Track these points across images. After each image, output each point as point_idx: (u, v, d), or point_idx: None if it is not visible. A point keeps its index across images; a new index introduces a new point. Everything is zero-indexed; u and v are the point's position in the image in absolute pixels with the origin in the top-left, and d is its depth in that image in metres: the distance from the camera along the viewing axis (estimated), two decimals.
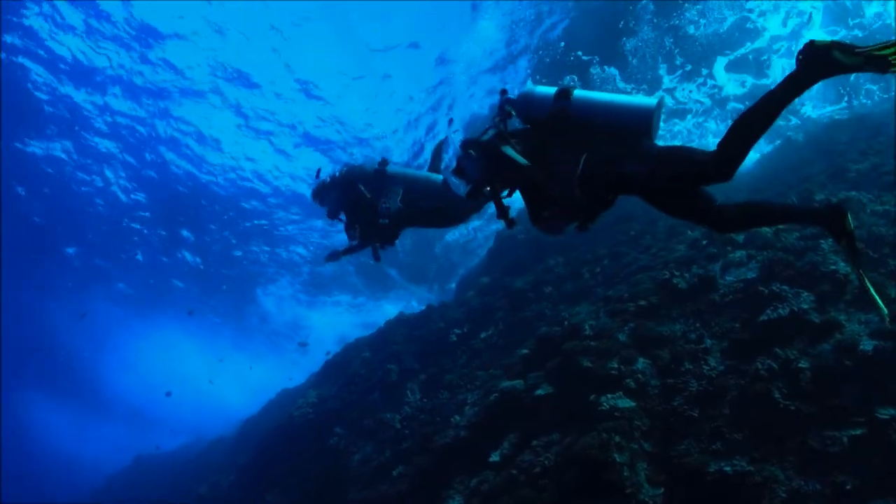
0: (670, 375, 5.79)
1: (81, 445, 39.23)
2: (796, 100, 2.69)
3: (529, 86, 3.34)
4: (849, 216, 2.69)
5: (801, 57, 2.56)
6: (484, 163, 3.33)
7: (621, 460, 5.19)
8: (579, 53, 14.36)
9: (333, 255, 6.05)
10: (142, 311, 27.51)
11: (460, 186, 5.36)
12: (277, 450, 11.65)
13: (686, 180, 2.88)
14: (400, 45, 16.54)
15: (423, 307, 14.32)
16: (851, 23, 14.18)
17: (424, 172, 5.78)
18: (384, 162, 5.71)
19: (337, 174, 5.87)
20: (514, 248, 13.64)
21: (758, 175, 11.88)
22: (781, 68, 14.76)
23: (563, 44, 14.86)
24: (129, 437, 36.71)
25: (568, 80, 14.07)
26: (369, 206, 5.57)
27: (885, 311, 2.90)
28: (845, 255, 2.82)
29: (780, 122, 15.30)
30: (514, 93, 3.45)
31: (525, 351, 7.59)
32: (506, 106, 3.37)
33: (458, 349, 10.61)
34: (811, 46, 2.55)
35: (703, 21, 13.90)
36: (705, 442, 5.15)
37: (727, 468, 4.77)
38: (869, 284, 2.74)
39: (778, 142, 15.43)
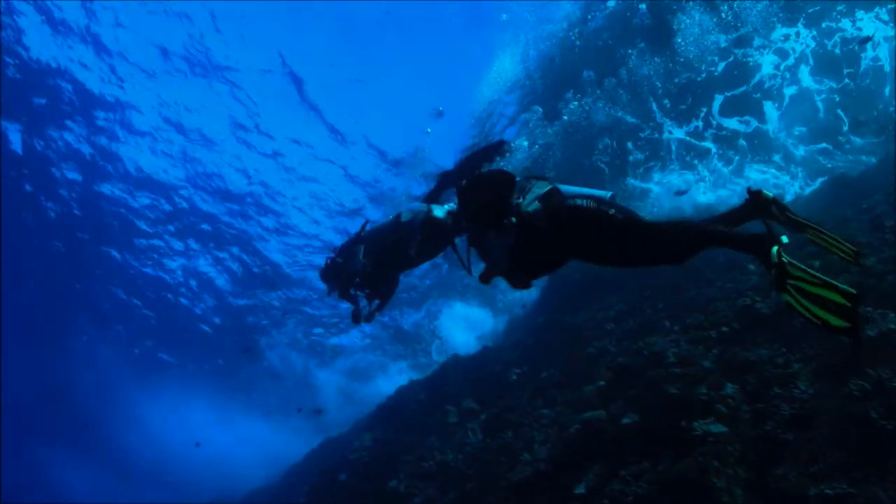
0: (760, 400, 5.82)
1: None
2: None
3: None
4: (766, 194, 3.20)
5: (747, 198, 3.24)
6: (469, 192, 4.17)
7: (720, 485, 5.20)
8: None
9: (357, 318, 6.29)
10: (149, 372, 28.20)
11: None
12: (332, 492, 11.55)
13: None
14: None
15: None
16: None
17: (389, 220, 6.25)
18: (361, 229, 6.17)
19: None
20: (564, 285, 13.73)
21: (813, 208, 11.94)
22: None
23: None
24: (151, 497, 36.26)
25: None
26: (347, 272, 6.05)
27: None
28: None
29: (830, 162, 15.54)
30: None
31: (601, 382, 7.63)
32: None
33: (518, 388, 10.61)
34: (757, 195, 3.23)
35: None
36: (802, 466, 5.14)
37: (828, 491, 4.75)
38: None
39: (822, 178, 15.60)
